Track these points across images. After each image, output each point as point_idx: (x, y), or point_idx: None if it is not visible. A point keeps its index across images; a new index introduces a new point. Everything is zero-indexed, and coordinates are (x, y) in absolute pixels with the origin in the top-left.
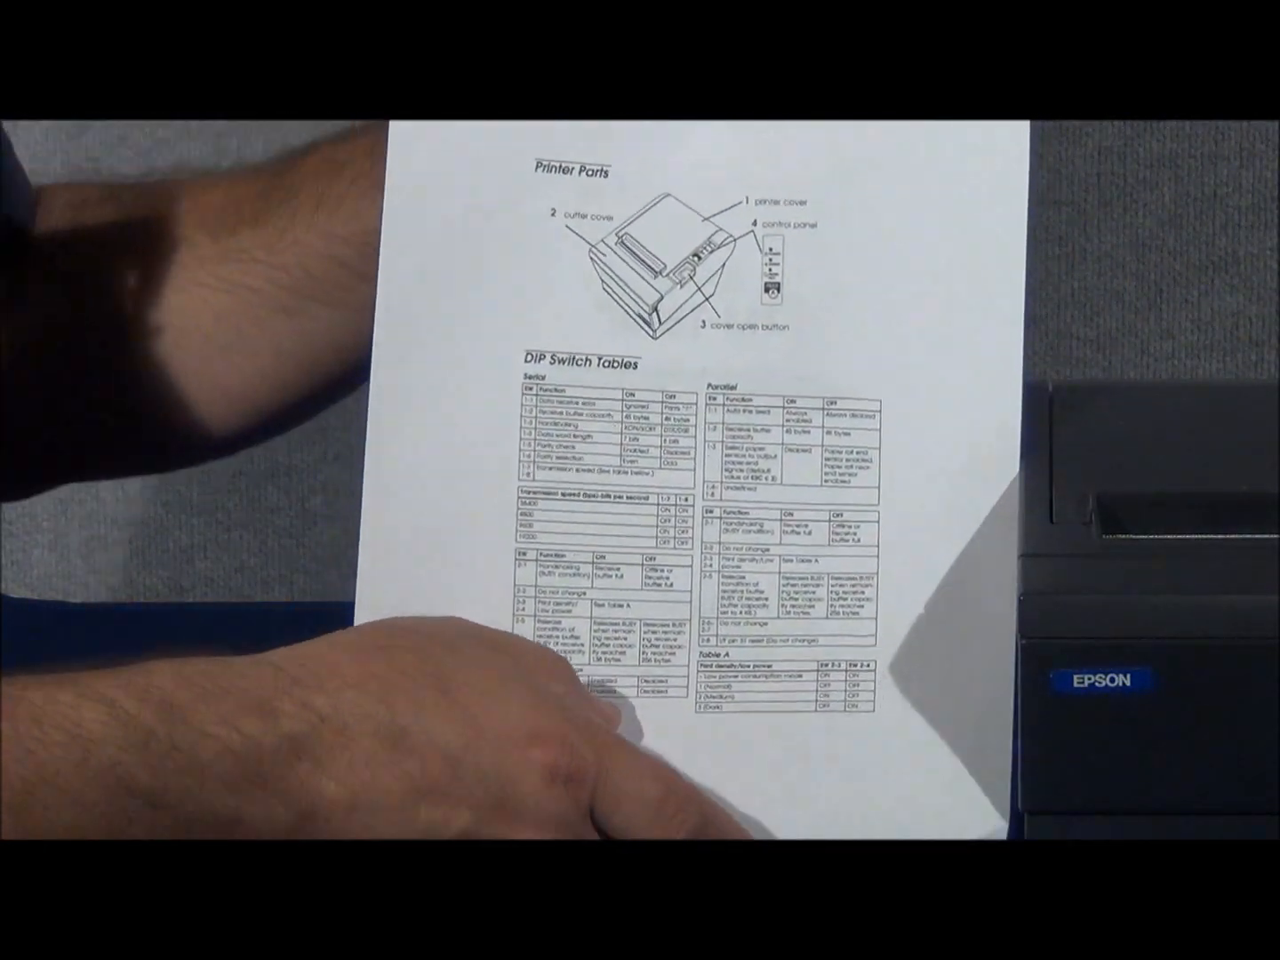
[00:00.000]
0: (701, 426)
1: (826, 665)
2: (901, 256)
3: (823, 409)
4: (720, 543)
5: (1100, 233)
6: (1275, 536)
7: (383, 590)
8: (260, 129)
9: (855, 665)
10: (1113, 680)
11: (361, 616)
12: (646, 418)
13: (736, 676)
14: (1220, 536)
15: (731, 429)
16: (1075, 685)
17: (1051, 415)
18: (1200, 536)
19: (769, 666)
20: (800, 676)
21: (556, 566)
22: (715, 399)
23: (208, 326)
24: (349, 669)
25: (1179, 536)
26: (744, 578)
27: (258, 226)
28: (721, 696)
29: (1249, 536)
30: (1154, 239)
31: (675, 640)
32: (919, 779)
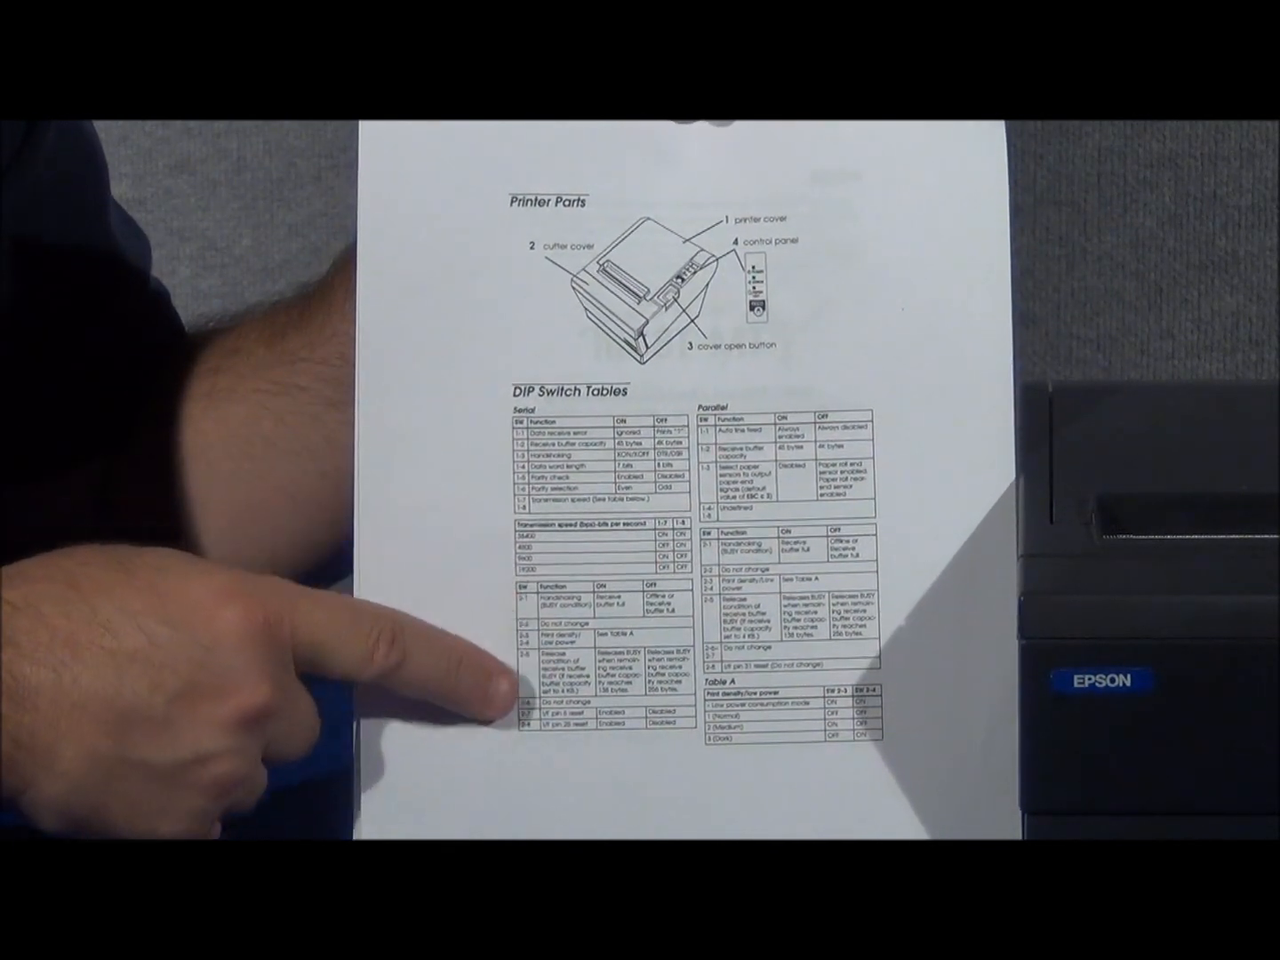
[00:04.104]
0: (694, 448)
1: (833, 691)
2: (884, 265)
3: (814, 423)
4: (719, 564)
5: (1100, 233)
6: (1275, 536)
7: None
8: (260, 129)
9: (861, 690)
10: (1113, 680)
11: None
12: (639, 443)
13: (744, 705)
14: (1220, 536)
15: (724, 449)
16: (1075, 685)
17: (1051, 415)
18: (1200, 536)
19: (775, 693)
20: (807, 704)
21: (558, 598)
22: (706, 420)
23: (269, 431)
24: (32, 568)
25: (1179, 536)
26: (745, 599)
27: (302, 326)
28: (730, 727)
29: (1249, 536)
30: (1154, 239)
31: (680, 667)
32: (930, 805)
